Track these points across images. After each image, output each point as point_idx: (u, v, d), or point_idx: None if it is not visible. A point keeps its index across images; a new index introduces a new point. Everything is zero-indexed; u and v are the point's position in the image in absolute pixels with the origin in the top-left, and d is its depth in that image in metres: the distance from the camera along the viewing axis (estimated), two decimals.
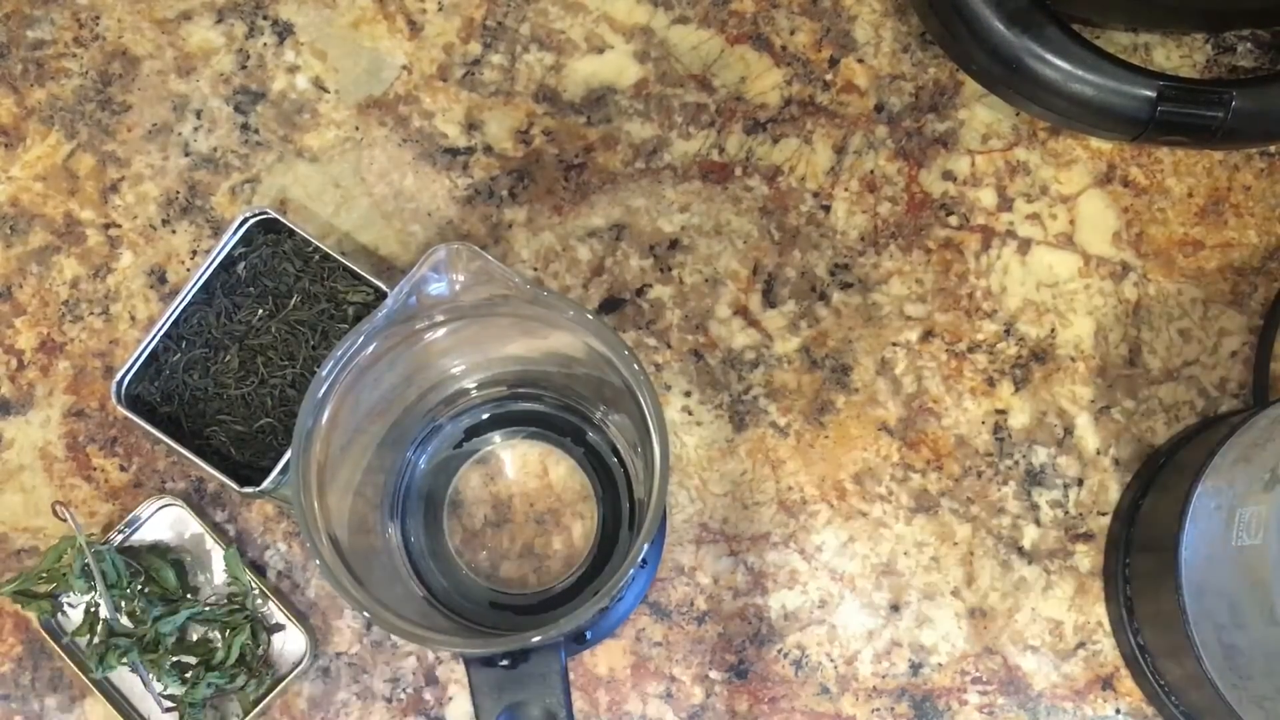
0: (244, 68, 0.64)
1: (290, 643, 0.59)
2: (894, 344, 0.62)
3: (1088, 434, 0.61)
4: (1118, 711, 0.59)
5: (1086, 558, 0.60)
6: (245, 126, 0.64)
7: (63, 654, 0.58)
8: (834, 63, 0.64)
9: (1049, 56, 0.57)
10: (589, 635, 0.58)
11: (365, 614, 0.47)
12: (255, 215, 0.59)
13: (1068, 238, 0.62)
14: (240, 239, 0.59)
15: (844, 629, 0.59)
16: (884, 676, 0.59)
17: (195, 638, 0.59)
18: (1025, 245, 0.62)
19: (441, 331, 0.51)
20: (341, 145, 0.64)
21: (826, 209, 0.63)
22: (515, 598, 0.59)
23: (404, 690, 0.59)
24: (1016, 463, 0.61)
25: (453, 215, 0.63)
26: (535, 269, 0.62)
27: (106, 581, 0.57)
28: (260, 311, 0.59)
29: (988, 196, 0.63)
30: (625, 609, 0.59)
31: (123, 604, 0.57)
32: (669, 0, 0.64)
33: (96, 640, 0.57)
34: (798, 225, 0.63)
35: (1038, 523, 0.60)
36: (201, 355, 0.59)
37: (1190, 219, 0.63)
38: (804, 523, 0.60)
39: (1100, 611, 0.60)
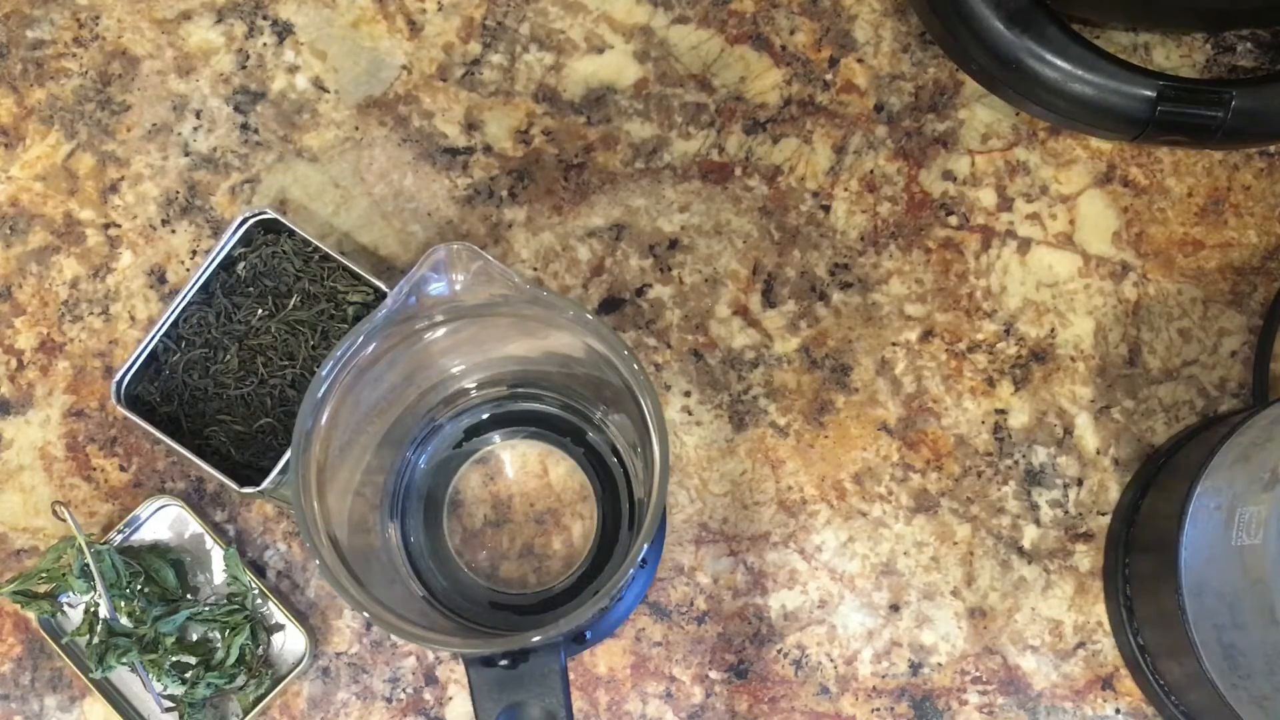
0: (244, 68, 0.64)
1: (290, 643, 0.59)
2: (894, 344, 0.62)
3: (1088, 434, 0.61)
4: (1118, 711, 0.59)
5: (1086, 558, 0.60)
6: (245, 126, 0.64)
7: (62, 654, 0.58)
8: (834, 63, 0.64)
9: (1049, 56, 0.57)
10: (589, 635, 0.58)
11: (365, 614, 0.46)
12: (255, 215, 0.59)
13: (1067, 237, 0.62)
14: (240, 239, 0.59)
15: (844, 629, 0.59)
16: (884, 676, 0.59)
17: (195, 638, 0.59)
18: (1025, 245, 0.62)
19: (441, 331, 0.51)
20: (341, 145, 0.64)
21: (826, 209, 0.63)
22: (515, 598, 0.59)
23: (404, 690, 0.59)
24: (1016, 463, 0.61)
25: (453, 215, 0.63)
26: (535, 269, 0.62)
27: (106, 581, 0.57)
28: (260, 311, 0.59)
29: (988, 196, 0.63)
30: (625, 609, 0.59)
31: (122, 604, 0.57)
32: (669, 0, 0.64)
33: (96, 640, 0.57)
34: (798, 225, 0.63)
35: (1038, 523, 0.60)
36: (201, 355, 0.59)
37: (1190, 219, 0.63)
38: (804, 523, 0.60)
39: (1100, 611, 0.60)
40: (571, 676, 0.58)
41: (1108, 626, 0.59)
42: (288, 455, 0.56)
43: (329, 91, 0.64)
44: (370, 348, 0.49)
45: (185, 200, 0.63)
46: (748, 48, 0.64)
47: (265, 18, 0.65)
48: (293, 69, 0.64)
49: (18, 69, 0.65)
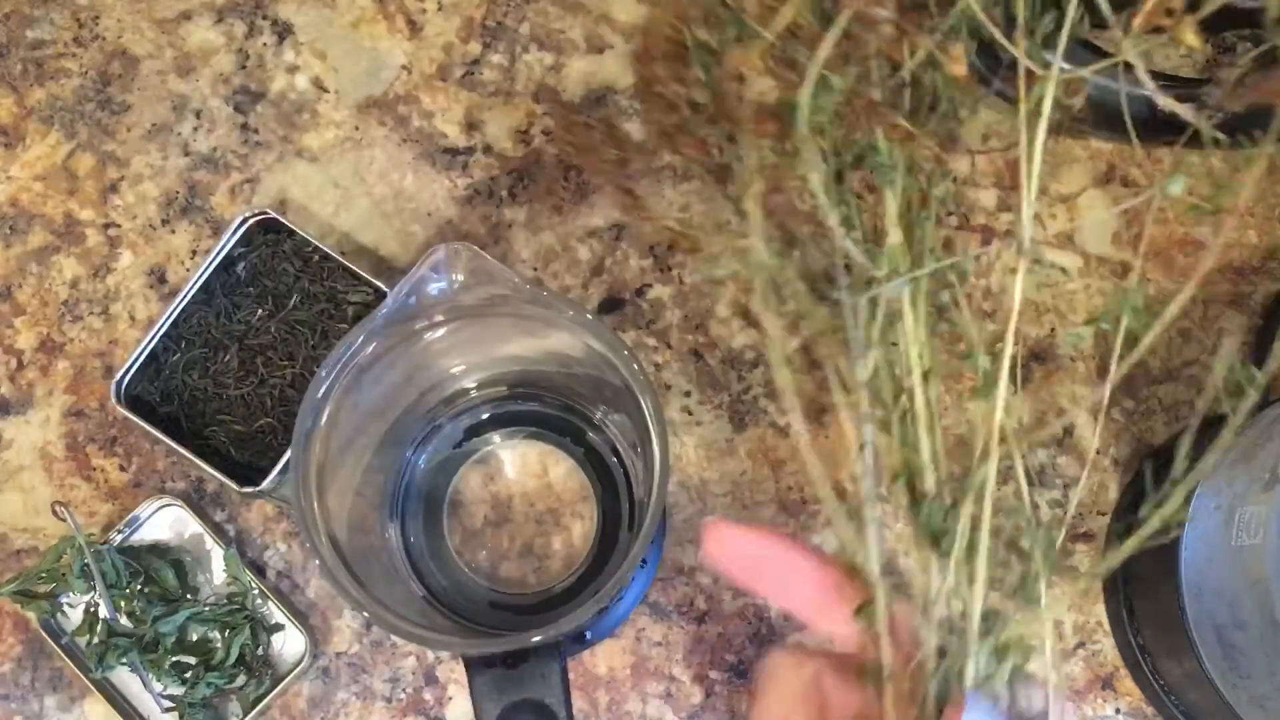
0: (244, 68, 0.64)
1: (290, 643, 0.59)
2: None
3: (1088, 434, 0.61)
4: (1118, 711, 0.59)
5: (1086, 558, 0.60)
6: (245, 126, 0.64)
7: (62, 654, 0.58)
8: None
9: (1049, 57, 0.56)
10: (589, 635, 0.58)
11: (365, 614, 0.47)
12: (255, 215, 0.59)
13: (1068, 237, 0.62)
14: (240, 239, 0.59)
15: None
16: None
17: (195, 638, 0.59)
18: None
19: (441, 331, 0.51)
20: (341, 145, 0.64)
21: None
22: (515, 598, 0.59)
23: (404, 690, 0.59)
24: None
25: (453, 215, 0.63)
26: (535, 269, 0.62)
27: (106, 581, 0.57)
28: (260, 311, 0.59)
29: (987, 196, 0.63)
30: (625, 609, 0.59)
31: (122, 604, 0.57)
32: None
33: (96, 640, 0.57)
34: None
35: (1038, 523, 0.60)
36: (201, 355, 0.59)
37: (1190, 219, 0.63)
38: (804, 523, 0.60)
39: (1100, 611, 0.60)
40: (571, 676, 0.58)
41: (1108, 626, 0.59)
42: (288, 455, 0.56)
43: (329, 91, 0.64)
44: (370, 348, 0.49)
45: (185, 200, 0.63)
46: None
47: (265, 18, 0.65)
48: (293, 69, 0.64)
49: (18, 69, 0.65)
